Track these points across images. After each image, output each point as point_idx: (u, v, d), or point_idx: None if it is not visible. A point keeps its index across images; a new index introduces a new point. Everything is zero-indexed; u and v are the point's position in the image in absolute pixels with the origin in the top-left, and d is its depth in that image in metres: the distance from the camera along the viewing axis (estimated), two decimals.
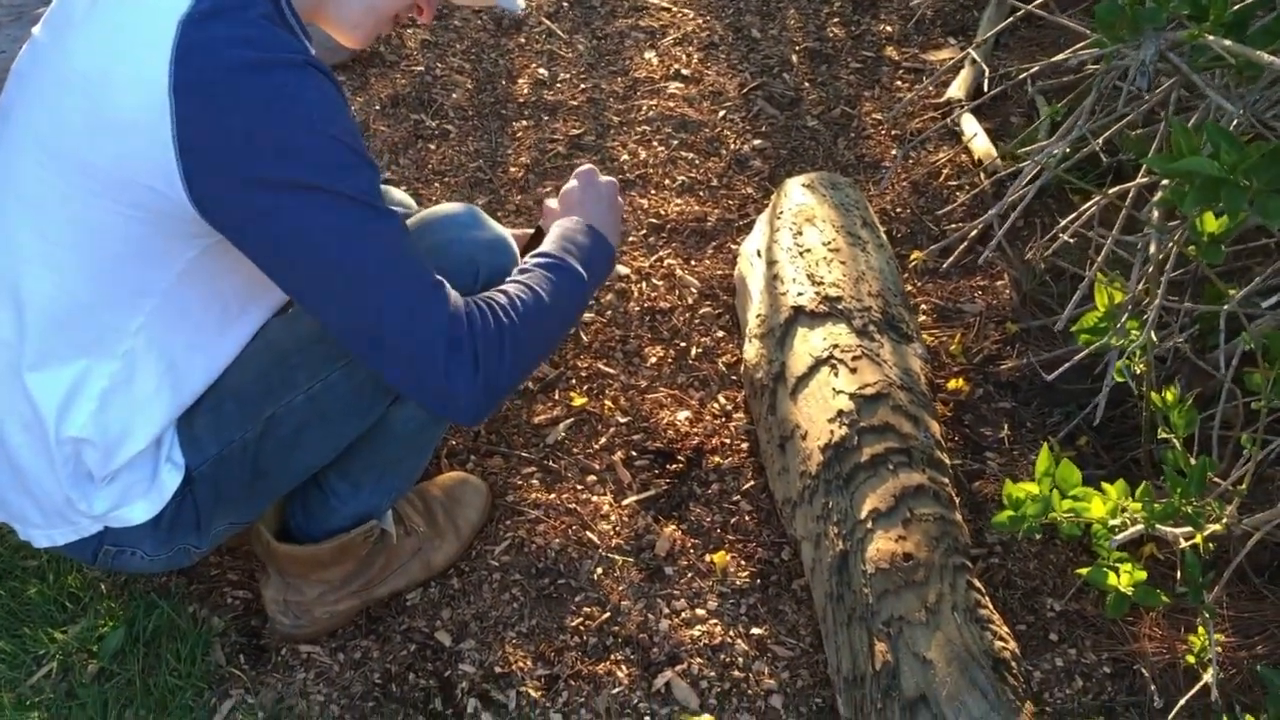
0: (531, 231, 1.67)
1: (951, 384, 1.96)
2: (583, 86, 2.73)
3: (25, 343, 1.27)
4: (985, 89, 2.32)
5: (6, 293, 1.27)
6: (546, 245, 1.47)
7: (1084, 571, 1.32)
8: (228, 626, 1.66)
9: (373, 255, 1.21)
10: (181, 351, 1.34)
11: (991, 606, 1.48)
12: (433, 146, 2.56)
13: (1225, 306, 1.29)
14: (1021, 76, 1.55)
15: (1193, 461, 1.31)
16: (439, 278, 1.28)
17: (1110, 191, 1.37)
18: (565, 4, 3.00)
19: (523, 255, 1.49)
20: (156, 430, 1.35)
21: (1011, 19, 1.72)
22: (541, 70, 2.79)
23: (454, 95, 2.71)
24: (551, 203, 1.59)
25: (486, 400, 1.30)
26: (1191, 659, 1.48)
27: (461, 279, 1.39)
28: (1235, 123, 1.24)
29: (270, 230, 1.18)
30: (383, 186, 1.53)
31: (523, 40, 2.89)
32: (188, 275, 1.28)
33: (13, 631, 1.65)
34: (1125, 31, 1.15)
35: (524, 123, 2.63)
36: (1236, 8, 1.12)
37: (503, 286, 1.38)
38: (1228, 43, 1.06)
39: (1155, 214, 1.34)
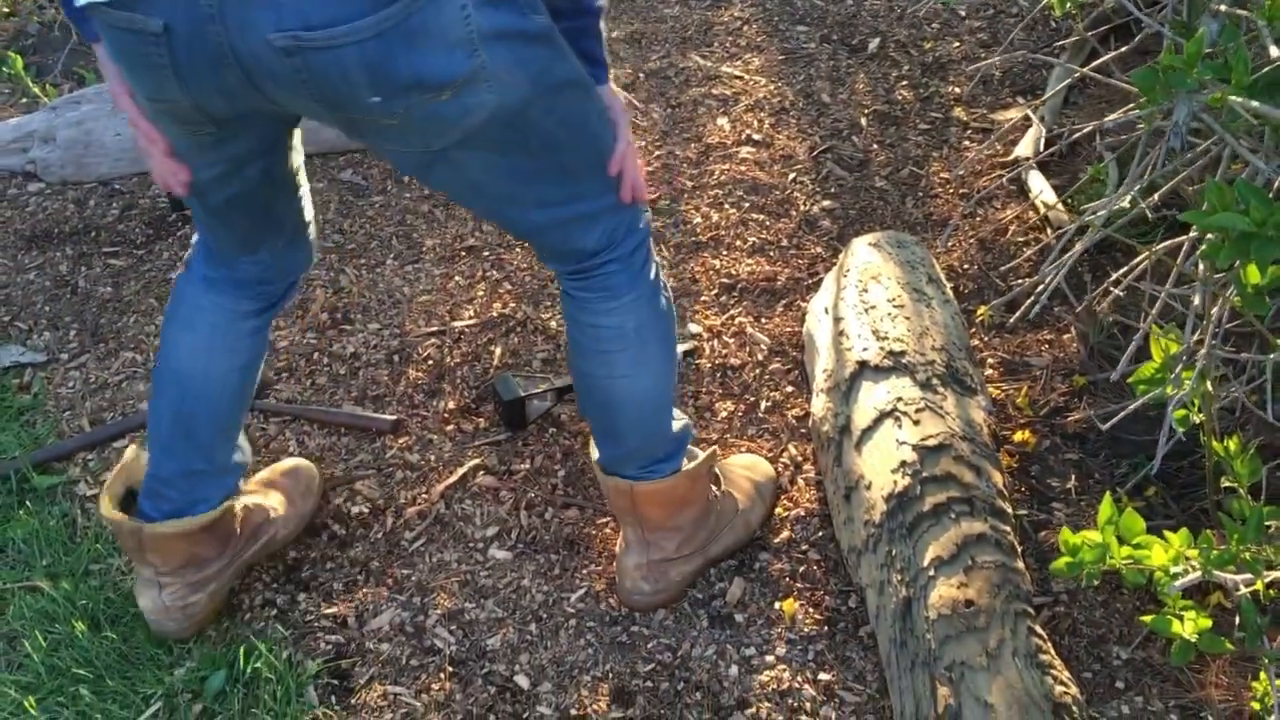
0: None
1: (1018, 436, 1.99)
2: (658, 153, 2.84)
3: None
4: (1048, 147, 2.36)
5: None
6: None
7: (1149, 619, 1.34)
8: (320, 669, 1.75)
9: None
10: None
11: (1053, 652, 1.51)
12: None
13: (1273, 356, 1.32)
14: (1074, 137, 1.60)
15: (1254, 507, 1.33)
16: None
17: (1158, 248, 1.41)
18: (641, 75, 3.13)
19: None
20: None
21: (1069, 80, 1.78)
22: None
23: None
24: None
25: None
26: (1256, 705, 1.48)
27: None
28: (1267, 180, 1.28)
29: None
30: None
31: None
32: None
33: (123, 673, 1.76)
34: (1161, 95, 1.21)
35: None
36: (1266, 70, 1.17)
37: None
38: (1255, 104, 1.11)
39: (1201, 267, 1.38)
